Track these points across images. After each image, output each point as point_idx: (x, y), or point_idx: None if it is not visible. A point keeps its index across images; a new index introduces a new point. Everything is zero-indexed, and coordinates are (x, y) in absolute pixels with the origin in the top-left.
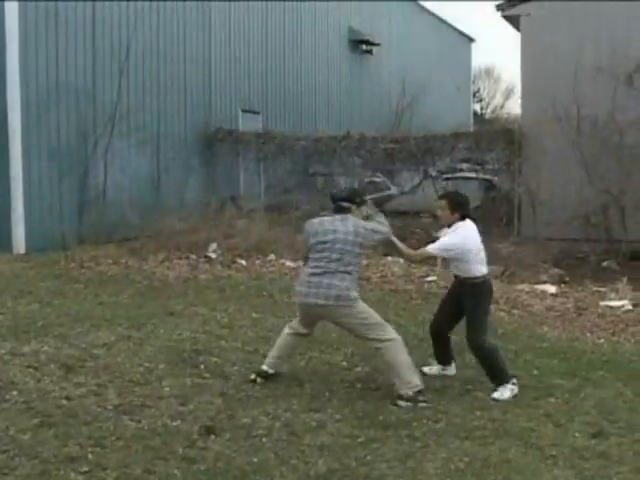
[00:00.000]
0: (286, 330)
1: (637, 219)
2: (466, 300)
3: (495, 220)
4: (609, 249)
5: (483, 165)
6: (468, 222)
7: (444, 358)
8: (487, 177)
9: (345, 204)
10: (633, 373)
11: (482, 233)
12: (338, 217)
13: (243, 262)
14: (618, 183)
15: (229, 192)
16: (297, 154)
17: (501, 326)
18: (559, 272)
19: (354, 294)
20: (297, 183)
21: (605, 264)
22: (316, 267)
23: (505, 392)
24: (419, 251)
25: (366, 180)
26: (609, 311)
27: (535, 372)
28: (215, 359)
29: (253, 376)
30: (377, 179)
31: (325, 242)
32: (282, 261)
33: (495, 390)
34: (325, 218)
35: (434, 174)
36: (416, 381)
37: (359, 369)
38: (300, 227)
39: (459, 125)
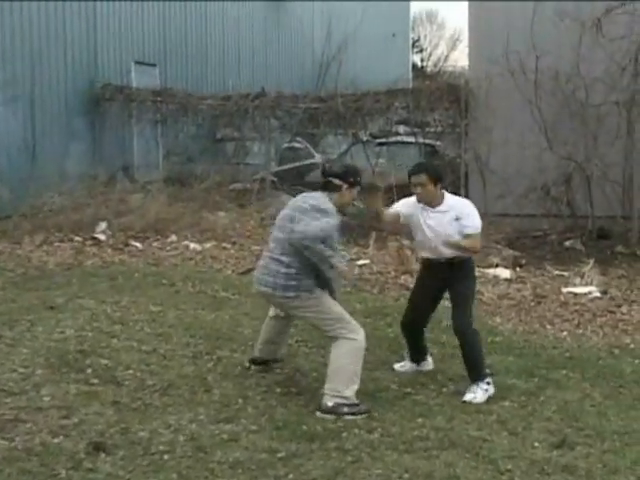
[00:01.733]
0: (269, 312)
1: (605, 191)
2: (456, 282)
3: None
4: (573, 226)
5: (423, 128)
6: (449, 195)
7: (420, 355)
8: (428, 142)
9: (337, 181)
10: (601, 372)
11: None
12: (310, 194)
13: (138, 245)
14: (583, 149)
15: (120, 161)
16: (202, 116)
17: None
18: (514, 254)
19: (295, 284)
20: (202, 150)
21: (568, 244)
22: (266, 249)
23: (478, 393)
24: (468, 243)
25: (284, 146)
26: (573, 299)
27: (487, 371)
28: (105, 361)
29: (247, 364)
30: (297, 145)
31: (276, 222)
32: (185, 243)
33: (468, 391)
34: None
35: (365, 139)
36: (348, 393)
37: (278, 371)
38: (206, 202)
39: (395, 80)
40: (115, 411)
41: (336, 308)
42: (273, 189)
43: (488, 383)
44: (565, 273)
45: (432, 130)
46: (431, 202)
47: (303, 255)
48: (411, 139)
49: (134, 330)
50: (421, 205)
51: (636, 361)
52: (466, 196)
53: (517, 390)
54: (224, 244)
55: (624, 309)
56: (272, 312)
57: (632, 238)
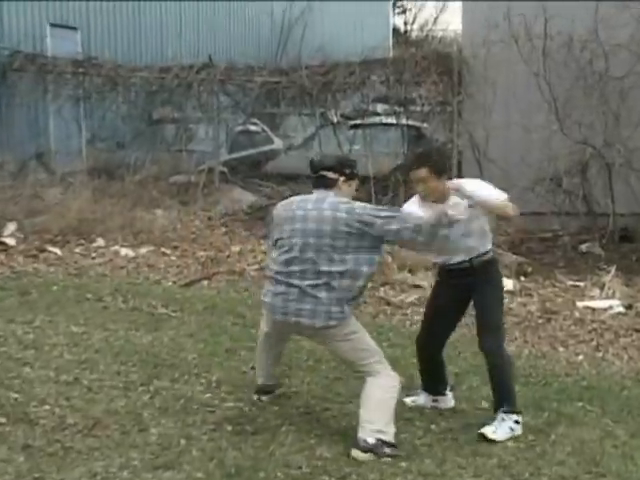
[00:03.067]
0: (262, 327)
1: (629, 182)
2: (480, 289)
3: None
4: (590, 226)
5: (407, 106)
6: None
7: (438, 385)
8: (413, 124)
9: (331, 174)
10: (626, 404)
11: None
12: (314, 195)
13: (57, 251)
14: (602, 131)
15: (33, 147)
16: (135, 92)
17: None
18: (518, 260)
19: (338, 310)
20: (135, 134)
21: (584, 248)
22: (279, 273)
23: (502, 430)
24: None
25: (238, 129)
26: (590, 315)
27: (485, 404)
28: (15, 395)
29: (255, 396)
30: (253, 128)
31: (290, 235)
32: (115, 248)
33: (490, 423)
34: (296, 198)
35: (336, 120)
36: (389, 430)
37: (229, 404)
38: (140, 198)
39: (372, 49)
40: (27, 457)
41: (372, 341)
42: (223, 182)
43: (517, 422)
44: (581, 283)
45: (417, 109)
46: (438, 199)
47: (356, 272)
48: (392, 120)
49: (51, 356)
50: (428, 204)
51: None
52: None
53: (523, 427)
54: (163, 249)
55: None
56: (267, 327)
57: None
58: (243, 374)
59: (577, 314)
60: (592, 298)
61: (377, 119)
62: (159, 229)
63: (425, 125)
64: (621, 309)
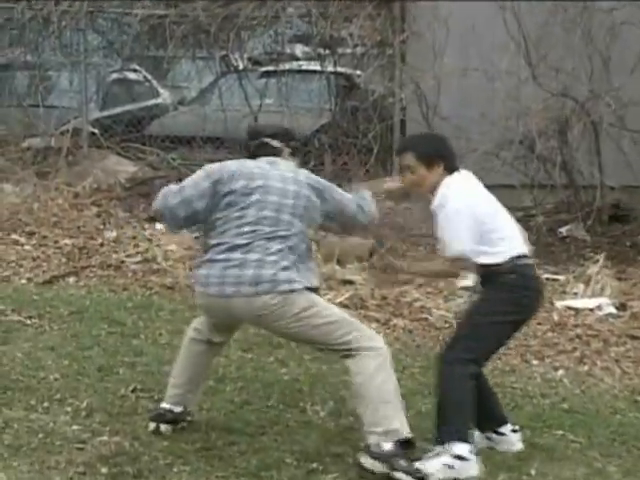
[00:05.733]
0: (189, 332)
1: (621, 146)
2: (478, 299)
3: (358, 151)
4: (571, 203)
5: (334, 49)
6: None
7: (492, 421)
8: (343, 71)
9: (276, 143)
10: (619, 432)
11: (335, 176)
12: (264, 160)
13: None
14: (587, 79)
15: None
16: None
17: None
18: None
19: (292, 276)
20: None
21: (564, 230)
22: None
23: (433, 464)
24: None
25: (112, 78)
26: (573, 318)
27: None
28: None
29: (152, 425)
30: (133, 76)
31: (250, 195)
32: None
33: (424, 455)
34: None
35: (242, 66)
36: (396, 425)
37: (104, 438)
38: None
39: None
40: None
41: (334, 307)
42: (94, 147)
43: (459, 457)
44: (560, 277)
45: (348, 52)
46: (429, 191)
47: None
48: (315, 67)
49: None
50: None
51: None
52: None
53: (489, 462)
54: (15, 237)
55: None
56: (195, 333)
57: None
58: (122, 399)
59: (556, 317)
60: (575, 296)
61: (295, 65)
62: (8, 210)
63: (358, 73)
64: (612, 310)
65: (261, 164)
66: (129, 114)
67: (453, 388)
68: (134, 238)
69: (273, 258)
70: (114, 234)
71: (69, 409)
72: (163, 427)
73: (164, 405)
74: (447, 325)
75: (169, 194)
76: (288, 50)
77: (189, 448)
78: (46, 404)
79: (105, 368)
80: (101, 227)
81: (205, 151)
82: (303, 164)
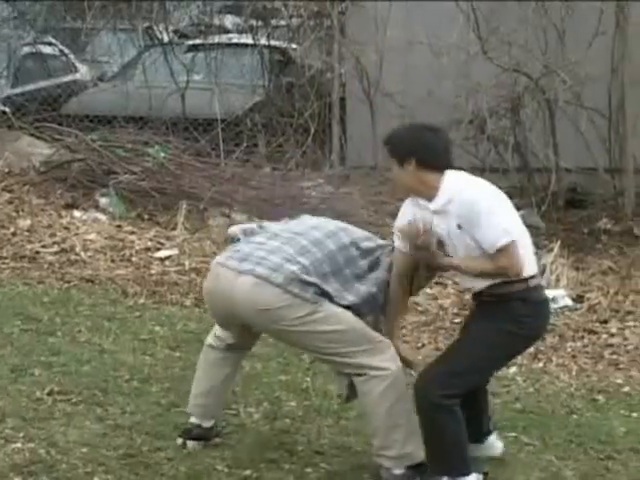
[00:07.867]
0: (208, 339)
1: (578, 126)
2: (473, 324)
3: (294, 131)
4: (524, 187)
5: (267, 20)
6: (453, 177)
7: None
8: (277, 44)
9: None
10: (576, 434)
11: (270, 158)
12: None
13: None
14: (541, 53)
15: None
16: None
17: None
18: None
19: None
20: None
21: None
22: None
23: None
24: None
25: (24, 50)
26: None
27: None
28: None
29: (179, 441)
30: (47, 50)
31: None
32: None
33: None
34: None
35: (168, 39)
36: (408, 449)
37: (17, 445)
38: None
39: None
40: None
41: (347, 315)
42: (5, 128)
43: None
44: None
45: (283, 24)
46: (405, 194)
47: None
48: (247, 40)
49: None
50: (419, 201)
51: (633, 414)
52: (343, 139)
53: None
54: None
55: (612, 327)
56: (213, 340)
57: (625, 205)
58: (37, 402)
59: None
60: None
61: (225, 38)
62: None
63: (294, 46)
64: (568, 302)
65: None
66: (44, 91)
67: (437, 423)
68: (50, 227)
69: (304, 261)
70: (28, 222)
71: None
72: (190, 444)
73: (192, 420)
74: None
75: None
76: (217, 21)
77: (111, 454)
78: None
79: (19, 369)
80: (13, 215)
81: (128, 132)
82: (235, 145)
